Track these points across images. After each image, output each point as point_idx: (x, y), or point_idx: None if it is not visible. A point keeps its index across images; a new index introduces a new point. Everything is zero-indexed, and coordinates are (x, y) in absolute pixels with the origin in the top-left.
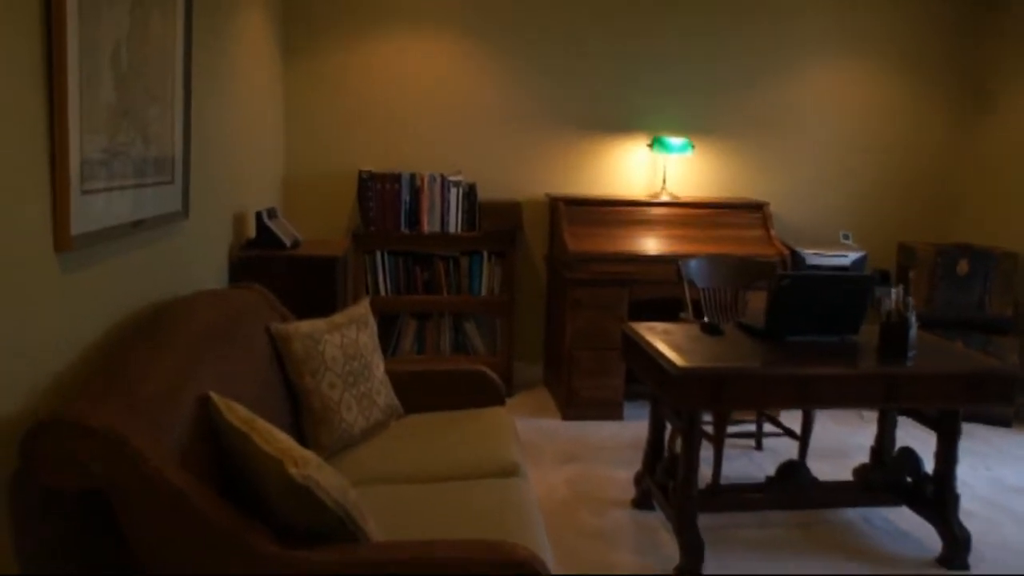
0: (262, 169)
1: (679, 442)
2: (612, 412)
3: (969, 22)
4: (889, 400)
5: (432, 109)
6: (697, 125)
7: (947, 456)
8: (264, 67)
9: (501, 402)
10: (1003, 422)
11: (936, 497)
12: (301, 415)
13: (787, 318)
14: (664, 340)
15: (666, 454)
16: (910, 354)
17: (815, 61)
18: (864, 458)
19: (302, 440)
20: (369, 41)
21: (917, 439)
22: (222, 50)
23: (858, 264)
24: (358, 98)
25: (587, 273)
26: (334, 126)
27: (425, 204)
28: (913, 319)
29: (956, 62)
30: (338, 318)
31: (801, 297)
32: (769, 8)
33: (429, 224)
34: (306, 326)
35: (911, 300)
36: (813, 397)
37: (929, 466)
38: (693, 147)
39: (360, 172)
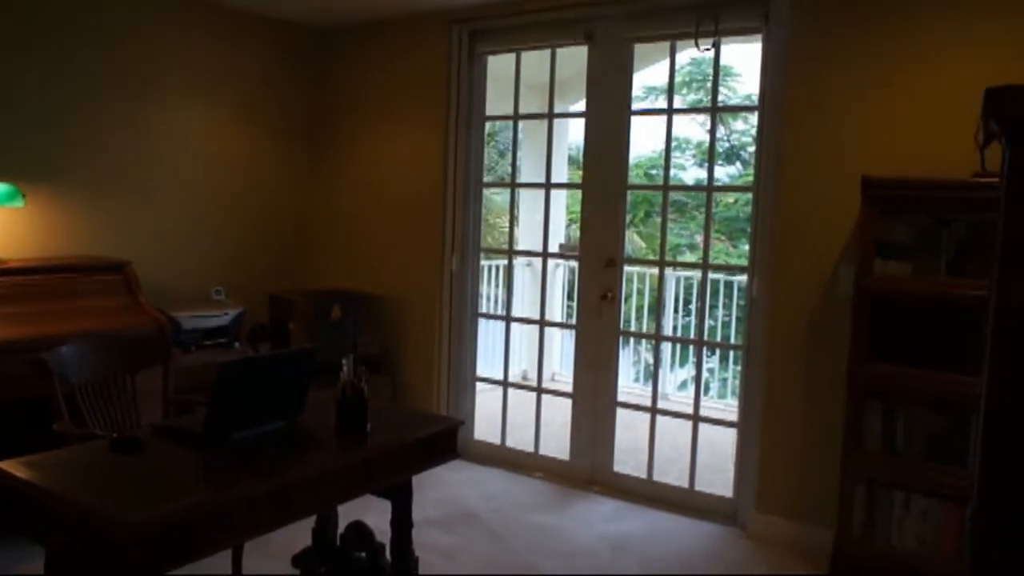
0: None
1: None
2: None
3: (306, 72)
4: (367, 484)
5: None
6: (29, 170)
7: (403, 523)
8: None
9: None
10: None
11: (396, 566)
12: None
13: (231, 414)
14: (65, 481)
15: None
16: (368, 428)
17: (161, 104)
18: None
19: None
20: None
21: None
22: None
23: (236, 321)
24: None
25: None
26: None
27: None
28: (367, 390)
29: (297, 111)
30: None
31: (243, 386)
32: (102, 33)
33: None
34: None
35: (364, 370)
36: (295, 510)
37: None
38: (25, 197)
39: None
